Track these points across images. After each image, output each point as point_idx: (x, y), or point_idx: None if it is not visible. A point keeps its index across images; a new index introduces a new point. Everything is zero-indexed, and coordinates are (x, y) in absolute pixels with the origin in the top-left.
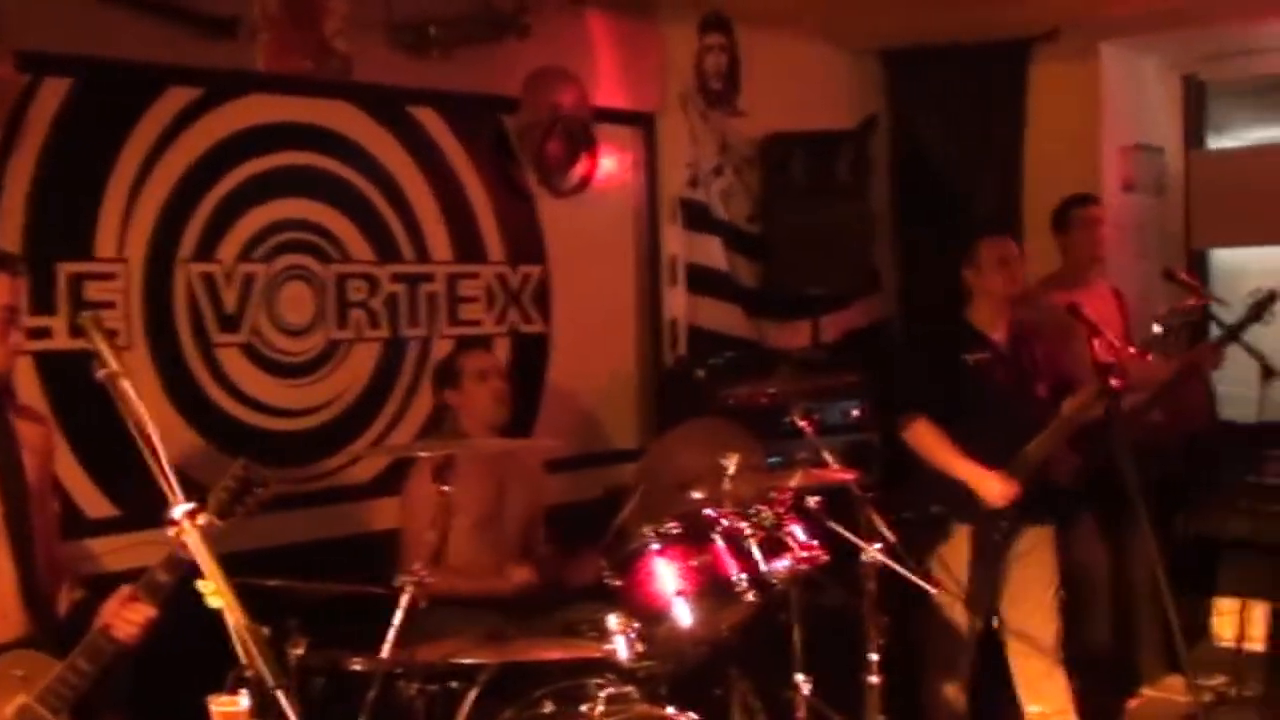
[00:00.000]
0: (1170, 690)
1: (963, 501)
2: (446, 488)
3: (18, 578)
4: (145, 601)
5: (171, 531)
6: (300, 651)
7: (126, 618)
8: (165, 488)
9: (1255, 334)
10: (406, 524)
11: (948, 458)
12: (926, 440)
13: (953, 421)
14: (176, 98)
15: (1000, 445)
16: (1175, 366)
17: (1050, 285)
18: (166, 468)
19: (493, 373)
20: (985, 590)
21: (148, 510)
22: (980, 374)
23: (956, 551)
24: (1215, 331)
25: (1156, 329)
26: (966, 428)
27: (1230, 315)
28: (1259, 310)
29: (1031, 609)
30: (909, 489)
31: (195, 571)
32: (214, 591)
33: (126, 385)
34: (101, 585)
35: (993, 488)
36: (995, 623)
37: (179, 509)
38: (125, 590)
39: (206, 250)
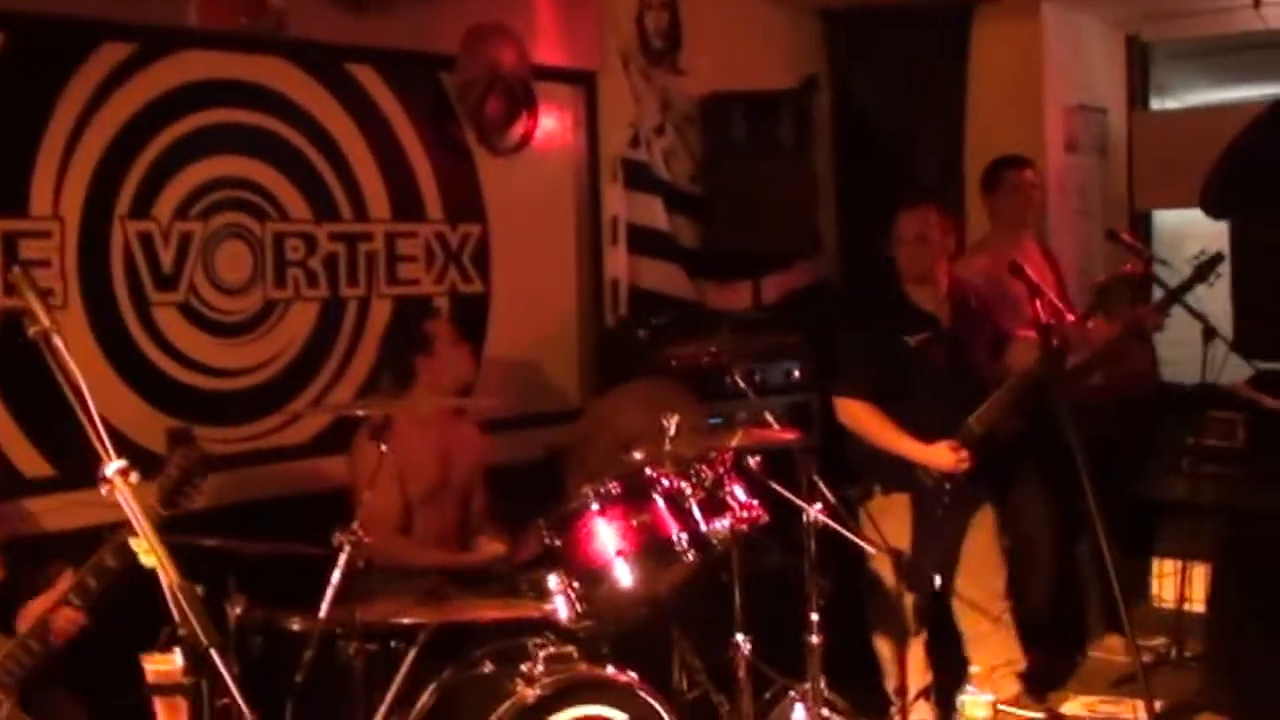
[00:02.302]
0: (1110, 650)
1: (902, 477)
2: (383, 447)
3: None
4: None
5: (104, 490)
6: (238, 611)
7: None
8: (98, 445)
9: (1197, 295)
10: (351, 484)
11: (891, 437)
12: (865, 421)
13: (893, 402)
14: (110, 54)
15: (941, 422)
16: (1118, 328)
17: (978, 249)
18: (100, 426)
19: (459, 337)
20: (927, 563)
21: (84, 470)
22: (921, 355)
23: (897, 519)
24: (1158, 293)
25: (1094, 298)
26: (906, 407)
27: (1173, 277)
28: (1202, 273)
29: (976, 570)
30: (848, 467)
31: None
32: (147, 550)
33: (59, 343)
34: (38, 546)
35: (944, 457)
36: (938, 584)
37: (111, 467)
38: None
39: (143, 208)
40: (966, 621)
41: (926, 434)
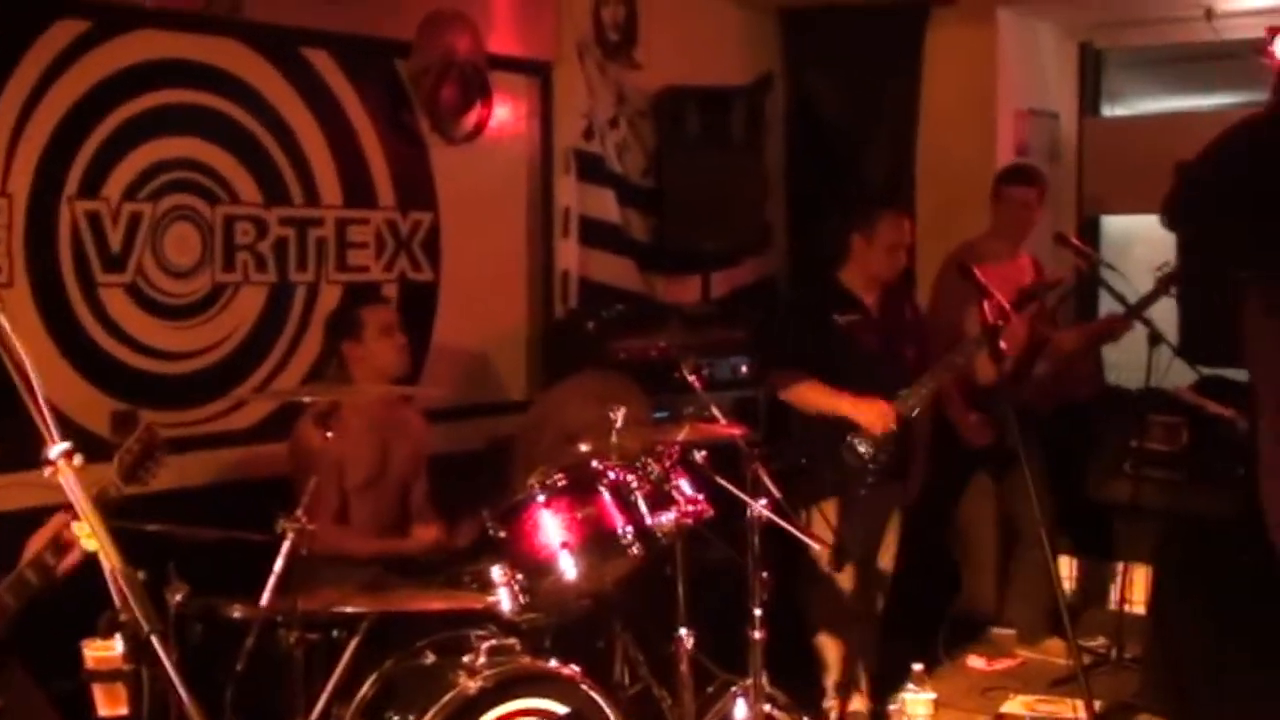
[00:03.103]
0: (1049, 652)
1: (828, 455)
2: (329, 434)
3: None
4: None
5: (47, 472)
6: (179, 598)
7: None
8: (42, 427)
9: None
10: (293, 471)
11: (824, 397)
12: (802, 390)
13: (823, 380)
14: (64, 31)
15: None
16: (1083, 335)
17: (969, 252)
18: (44, 407)
19: (395, 327)
20: (852, 542)
21: (25, 451)
22: (850, 335)
23: (832, 505)
24: (1105, 297)
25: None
26: (835, 386)
27: (1119, 280)
28: (1166, 284)
29: (883, 561)
30: (779, 443)
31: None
32: (89, 534)
33: (3, 321)
34: None
35: (872, 412)
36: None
37: (55, 449)
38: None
39: (92, 188)
40: None
41: None
